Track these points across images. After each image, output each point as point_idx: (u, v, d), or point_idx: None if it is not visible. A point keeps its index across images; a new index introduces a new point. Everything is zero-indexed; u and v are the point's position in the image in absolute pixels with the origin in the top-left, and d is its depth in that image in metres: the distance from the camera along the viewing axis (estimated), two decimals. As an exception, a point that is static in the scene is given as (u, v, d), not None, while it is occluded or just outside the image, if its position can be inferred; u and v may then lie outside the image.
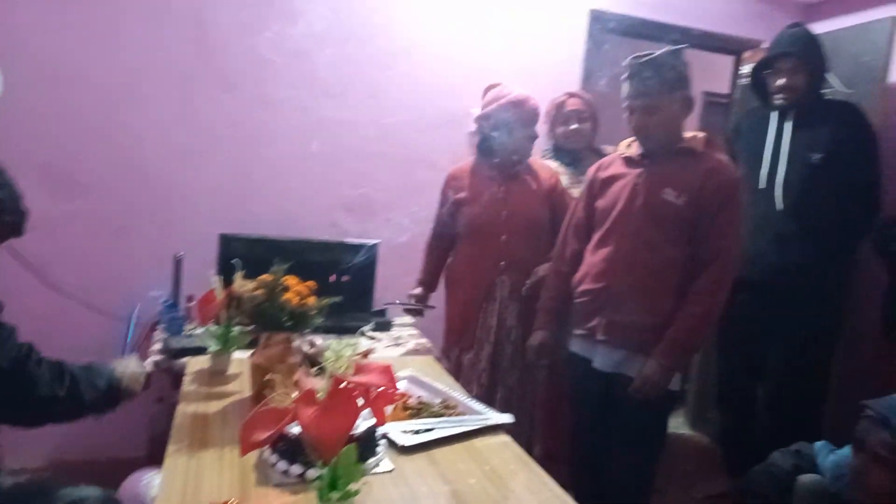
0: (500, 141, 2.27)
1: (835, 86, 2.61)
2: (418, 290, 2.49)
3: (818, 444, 1.91)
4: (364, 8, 2.73)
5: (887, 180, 2.40)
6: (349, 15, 2.71)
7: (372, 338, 2.33)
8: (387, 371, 0.99)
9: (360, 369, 1.01)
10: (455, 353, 2.39)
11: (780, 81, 2.39)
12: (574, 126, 2.57)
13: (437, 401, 1.53)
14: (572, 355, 2.03)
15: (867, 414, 1.61)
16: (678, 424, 3.45)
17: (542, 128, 2.47)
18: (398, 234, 2.70)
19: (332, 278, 2.20)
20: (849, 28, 2.76)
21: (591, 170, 2.09)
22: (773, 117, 2.47)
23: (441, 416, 1.44)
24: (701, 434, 3.39)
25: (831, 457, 1.84)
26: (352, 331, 2.17)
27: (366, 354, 1.47)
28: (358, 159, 2.82)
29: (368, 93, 2.79)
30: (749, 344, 2.55)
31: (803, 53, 2.34)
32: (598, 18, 3.00)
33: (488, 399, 2.25)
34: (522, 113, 2.28)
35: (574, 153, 2.59)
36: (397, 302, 2.45)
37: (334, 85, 2.73)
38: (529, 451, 2.20)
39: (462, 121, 2.88)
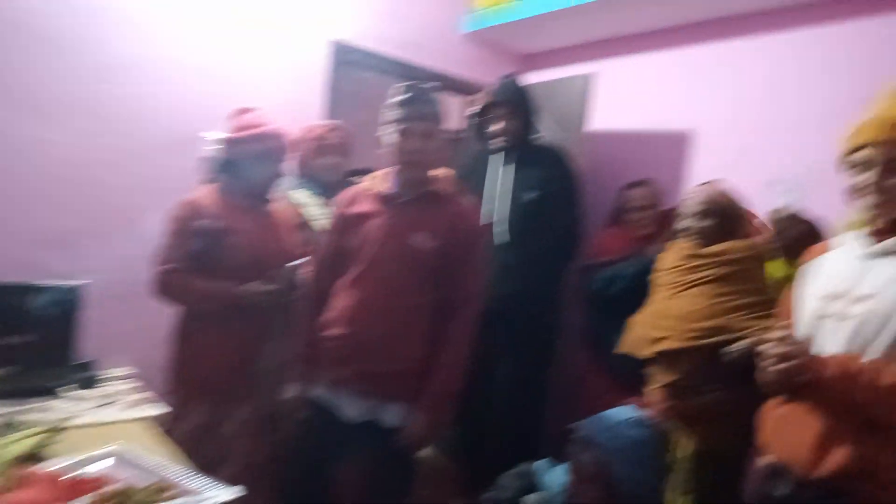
0: (252, 170, 2.10)
1: (548, 131, 2.93)
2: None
3: (539, 462, 2.07)
4: (73, 12, 2.34)
5: (590, 215, 2.75)
6: (48, 21, 2.29)
7: (74, 398, 1.97)
8: (54, 484, 0.80)
9: (21, 481, 0.80)
10: (204, 409, 2.05)
11: (496, 127, 2.62)
12: (334, 159, 2.51)
13: (150, 482, 1.32)
14: (313, 403, 1.91)
15: (576, 435, 1.79)
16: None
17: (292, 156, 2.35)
18: (116, 272, 2.36)
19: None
20: (558, 80, 3.13)
21: (337, 205, 2.00)
22: (493, 159, 2.69)
23: (152, 503, 1.24)
24: (440, 454, 3.51)
25: (552, 473, 2.01)
26: (45, 392, 1.81)
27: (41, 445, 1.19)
28: (64, 186, 2.39)
29: (79, 109, 2.39)
30: (479, 367, 2.70)
31: (513, 102, 2.60)
32: (340, 50, 2.98)
33: (273, 455, 2.06)
34: (278, 146, 2.14)
35: (327, 184, 2.53)
36: None
37: (29, 99, 2.29)
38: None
39: (192, 145, 2.64)
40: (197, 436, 2.01)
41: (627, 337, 2.13)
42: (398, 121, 1.82)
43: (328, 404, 1.89)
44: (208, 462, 1.91)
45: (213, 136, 2.20)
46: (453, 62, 3.40)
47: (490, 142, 2.67)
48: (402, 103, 1.81)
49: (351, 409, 1.85)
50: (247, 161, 2.10)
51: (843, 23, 2.38)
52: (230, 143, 2.13)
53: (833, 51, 2.40)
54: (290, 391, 1.94)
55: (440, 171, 1.96)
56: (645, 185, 2.65)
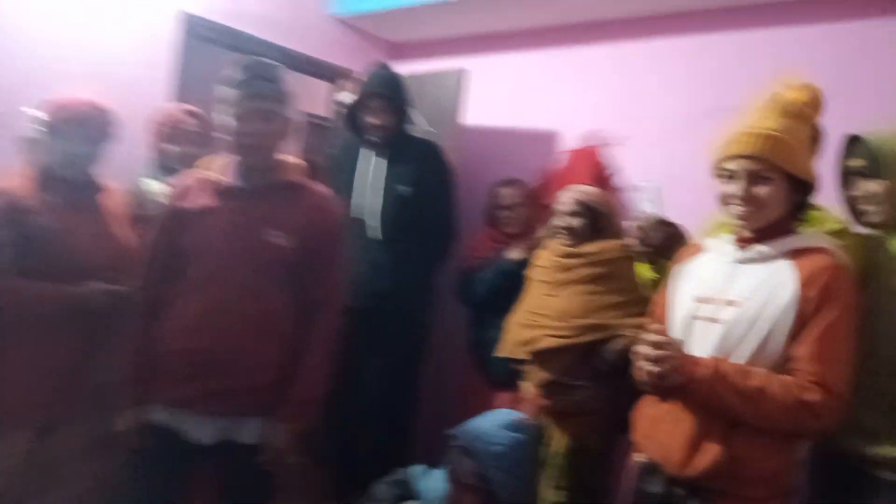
0: (70, 151, 1.82)
1: (422, 124, 2.86)
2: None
3: (415, 468, 2.01)
4: None
5: (464, 211, 2.71)
6: None
7: None
8: None
9: None
10: (20, 435, 1.74)
11: (372, 120, 2.50)
12: (189, 147, 2.26)
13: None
14: (155, 428, 1.63)
15: (453, 444, 1.74)
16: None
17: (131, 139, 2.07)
18: None
19: None
20: (430, 74, 3.06)
21: (169, 196, 1.75)
22: (367, 152, 2.57)
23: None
24: (306, 461, 3.35)
25: (428, 480, 1.95)
26: None
27: None
28: None
29: None
30: (348, 368, 2.59)
31: (391, 95, 2.50)
32: (191, 24, 2.69)
33: (109, 488, 1.78)
34: (99, 124, 1.87)
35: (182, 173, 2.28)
36: None
37: None
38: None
39: (10, 123, 2.25)
40: (12, 467, 1.72)
41: (505, 340, 2.12)
42: (234, 101, 1.61)
43: (173, 428, 1.63)
44: (26, 498, 1.65)
45: (31, 114, 1.89)
46: (319, 46, 3.21)
47: (364, 133, 2.55)
48: (237, 82, 1.61)
49: (201, 430, 1.62)
50: (64, 140, 1.82)
51: (704, 35, 2.53)
52: (46, 119, 1.84)
53: (692, 61, 2.54)
54: (127, 416, 1.64)
55: (290, 159, 1.78)
56: (515, 183, 2.65)
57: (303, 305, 1.70)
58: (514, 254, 2.41)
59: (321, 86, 3.45)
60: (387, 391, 2.59)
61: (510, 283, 2.28)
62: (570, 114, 2.87)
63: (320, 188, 1.80)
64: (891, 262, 1.50)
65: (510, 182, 2.65)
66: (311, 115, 4.31)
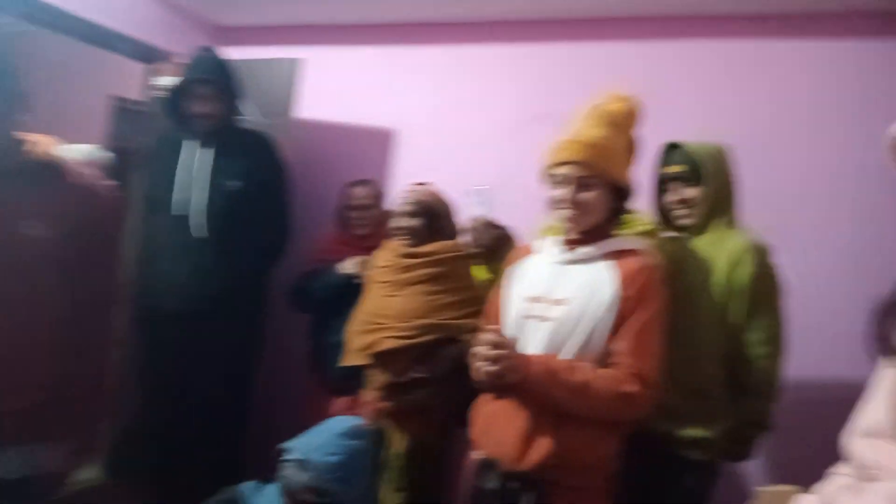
0: None
1: (252, 115, 2.68)
2: None
3: (246, 485, 1.89)
4: None
5: (298, 208, 2.60)
6: None
7: None
8: None
9: None
10: None
11: (198, 108, 2.31)
12: None
13: None
14: None
15: (288, 457, 1.65)
16: (92, 472, 2.97)
17: None
18: None
19: None
20: (261, 61, 2.89)
21: None
22: (190, 143, 2.37)
23: None
24: (112, 480, 3.01)
25: (261, 496, 1.84)
26: None
27: None
28: None
29: None
30: (173, 376, 2.38)
31: (219, 81, 2.33)
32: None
33: None
34: None
35: None
36: None
37: None
38: None
39: None
40: None
41: (347, 349, 2.06)
42: None
43: None
44: None
45: None
46: (133, 22, 2.89)
47: (187, 122, 2.34)
48: None
49: None
50: None
51: (536, 43, 2.65)
52: None
53: (524, 68, 2.65)
54: None
55: (38, 137, 1.53)
56: (367, 183, 2.56)
57: (77, 309, 1.48)
58: (347, 267, 2.34)
59: (135, 67, 3.11)
60: (216, 401, 2.41)
61: (344, 293, 2.22)
62: (407, 112, 2.86)
63: (83, 169, 1.57)
64: (694, 261, 1.67)
65: (362, 182, 2.55)
66: (122, 98, 3.89)
